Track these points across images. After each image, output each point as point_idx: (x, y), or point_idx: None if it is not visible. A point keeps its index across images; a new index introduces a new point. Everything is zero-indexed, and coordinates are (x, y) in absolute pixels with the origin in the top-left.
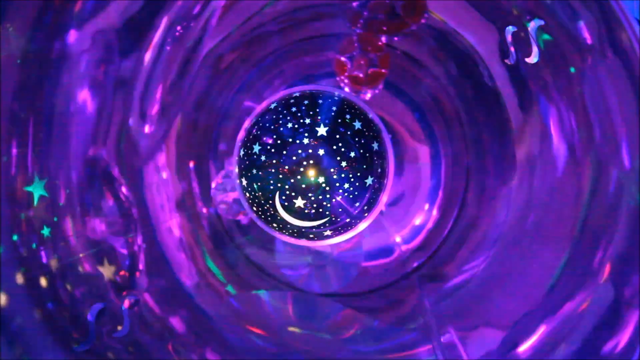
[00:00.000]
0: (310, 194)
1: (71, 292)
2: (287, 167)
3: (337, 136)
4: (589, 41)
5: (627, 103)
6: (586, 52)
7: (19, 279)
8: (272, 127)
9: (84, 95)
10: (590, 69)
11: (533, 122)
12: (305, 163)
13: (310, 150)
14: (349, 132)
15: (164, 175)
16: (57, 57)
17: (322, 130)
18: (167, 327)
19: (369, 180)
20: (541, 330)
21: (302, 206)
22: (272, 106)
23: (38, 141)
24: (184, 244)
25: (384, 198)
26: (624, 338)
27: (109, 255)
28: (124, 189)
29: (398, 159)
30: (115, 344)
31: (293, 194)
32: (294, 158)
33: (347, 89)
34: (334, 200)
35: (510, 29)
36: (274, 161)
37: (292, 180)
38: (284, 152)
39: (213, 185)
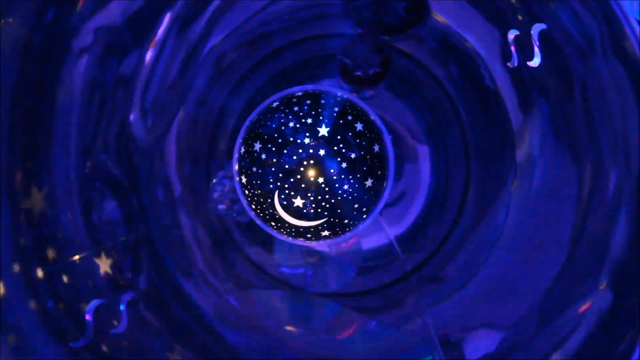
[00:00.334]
0: (309, 194)
1: (69, 288)
2: (287, 167)
3: (339, 137)
4: (589, 43)
5: (628, 105)
6: (587, 55)
7: (16, 274)
8: (273, 126)
9: (85, 93)
10: (591, 72)
11: (533, 124)
12: (305, 163)
13: (310, 150)
14: (350, 133)
15: (164, 173)
16: (58, 55)
17: (323, 131)
18: (165, 325)
19: (369, 182)
20: (540, 331)
21: (301, 206)
22: (274, 105)
23: (38, 139)
24: (183, 242)
25: (384, 199)
26: (624, 338)
27: (108, 253)
28: (123, 188)
29: (398, 160)
30: (113, 341)
31: (292, 193)
32: (294, 157)
33: (348, 90)
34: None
35: (513, 31)
36: (274, 160)
37: (291, 180)
38: (285, 152)
39: (213, 182)
